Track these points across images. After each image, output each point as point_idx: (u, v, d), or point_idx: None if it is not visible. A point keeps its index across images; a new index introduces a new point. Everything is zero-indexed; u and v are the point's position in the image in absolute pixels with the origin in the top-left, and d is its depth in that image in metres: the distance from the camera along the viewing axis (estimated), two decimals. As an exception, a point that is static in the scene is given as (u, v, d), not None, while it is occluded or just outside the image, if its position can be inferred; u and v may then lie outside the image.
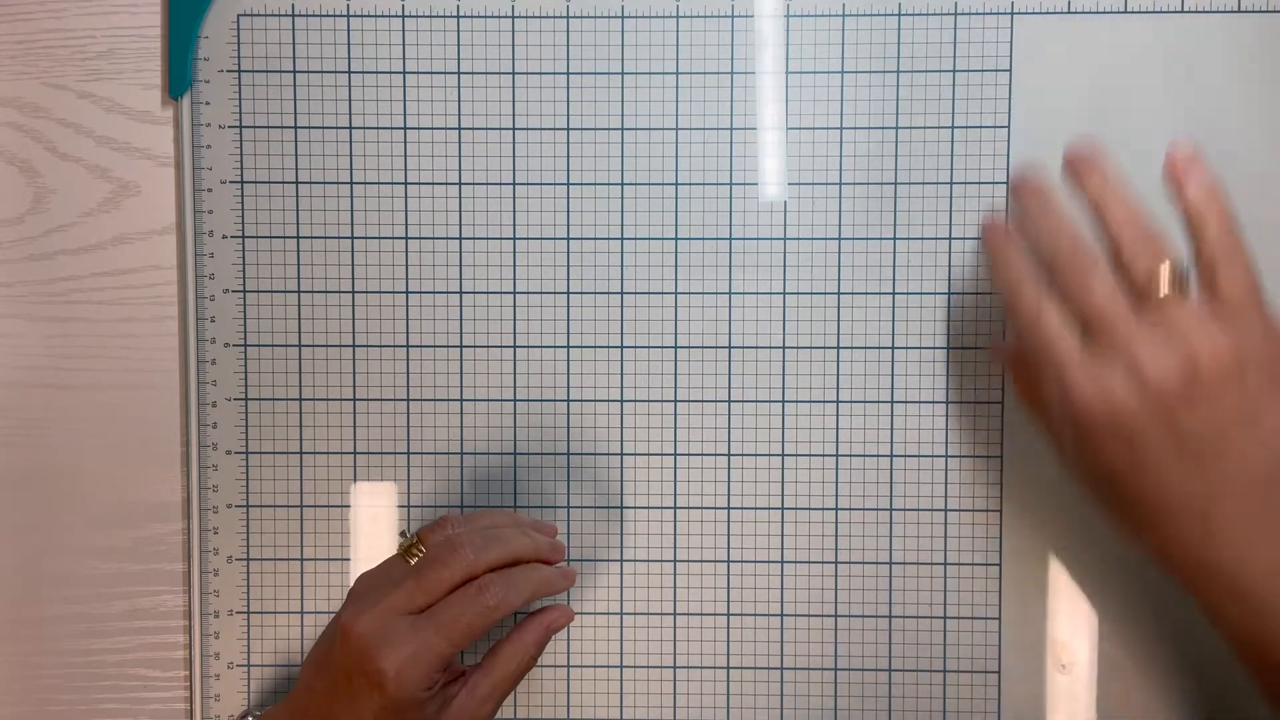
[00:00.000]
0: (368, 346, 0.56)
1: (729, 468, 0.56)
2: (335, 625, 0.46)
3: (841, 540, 0.55)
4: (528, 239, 0.55)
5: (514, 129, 0.55)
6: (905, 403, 0.55)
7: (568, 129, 0.55)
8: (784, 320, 0.55)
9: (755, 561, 0.56)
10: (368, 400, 0.56)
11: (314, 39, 0.55)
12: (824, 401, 0.55)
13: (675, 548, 0.56)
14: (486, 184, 0.55)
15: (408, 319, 0.56)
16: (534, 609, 0.50)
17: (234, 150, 0.55)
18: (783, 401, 0.55)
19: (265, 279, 0.56)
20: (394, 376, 0.56)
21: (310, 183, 0.55)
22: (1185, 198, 0.44)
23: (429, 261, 0.55)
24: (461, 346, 0.56)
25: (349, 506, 0.56)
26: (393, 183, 0.55)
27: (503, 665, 0.48)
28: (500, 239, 0.55)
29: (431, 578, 0.46)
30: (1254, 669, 0.45)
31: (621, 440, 0.56)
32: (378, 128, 0.55)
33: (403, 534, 0.48)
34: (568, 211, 0.55)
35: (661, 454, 0.56)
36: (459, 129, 0.55)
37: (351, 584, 0.48)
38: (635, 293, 0.55)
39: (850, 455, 0.55)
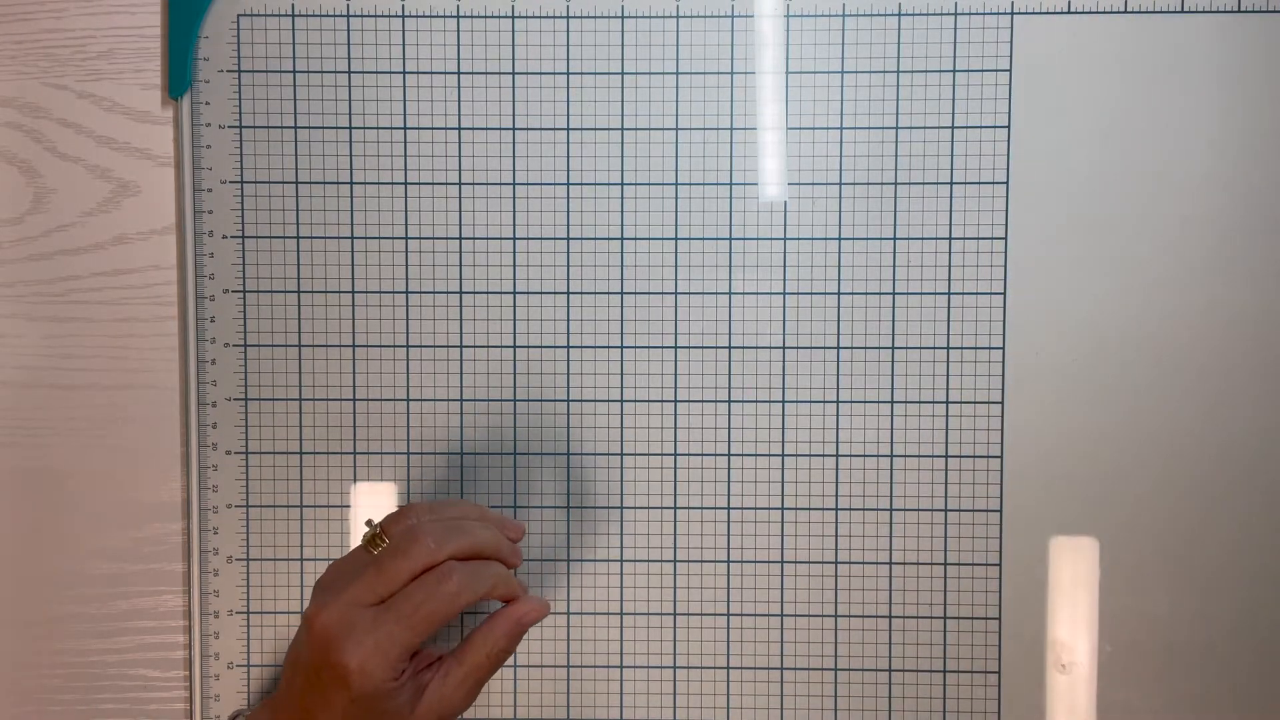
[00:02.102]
0: (368, 346, 0.56)
1: (729, 468, 0.56)
2: (303, 620, 0.47)
3: (841, 540, 0.55)
4: (528, 239, 0.55)
5: (514, 129, 0.55)
6: (905, 403, 0.55)
7: (568, 129, 0.55)
8: (784, 320, 0.55)
9: (755, 561, 0.56)
10: (368, 400, 0.56)
11: (314, 39, 0.55)
12: (824, 401, 0.55)
13: (675, 548, 0.56)
14: (486, 184, 0.55)
15: (408, 319, 0.56)
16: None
17: (234, 150, 0.55)
18: (783, 401, 0.55)
19: (265, 279, 0.56)
20: (394, 376, 0.56)
21: (310, 183, 0.55)
22: None
23: (429, 261, 0.55)
24: (461, 346, 0.56)
25: (349, 506, 0.56)
26: (393, 183, 0.55)
27: (473, 654, 0.48)
28: (500, 239, 0.55)
29: (391, 568, 0.45)
30: None
31: (621, 440, 0.56)
32: (378, 128, 0.55)
33: (368, 523, 0.48)
34: (568, 211, 0.55)
35: (661, 454, 0.56)
36: (459, 129, 0.55)
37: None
38: (635, 293, 0.55)
39: (850, 455, 0.55)
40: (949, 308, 0.55)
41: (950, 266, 0.55)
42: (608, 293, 0.55)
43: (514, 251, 0.55)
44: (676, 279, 0.55)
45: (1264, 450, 0.54)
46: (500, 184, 0.55)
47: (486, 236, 0.55)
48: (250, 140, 0.55)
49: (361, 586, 0.45)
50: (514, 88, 0.55)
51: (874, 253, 0.55)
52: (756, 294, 0.55)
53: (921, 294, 0.55)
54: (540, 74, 0.55)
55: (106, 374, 0.56)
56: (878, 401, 0.55)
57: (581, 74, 0.55)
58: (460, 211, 0.55)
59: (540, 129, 0.55)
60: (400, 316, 0.56)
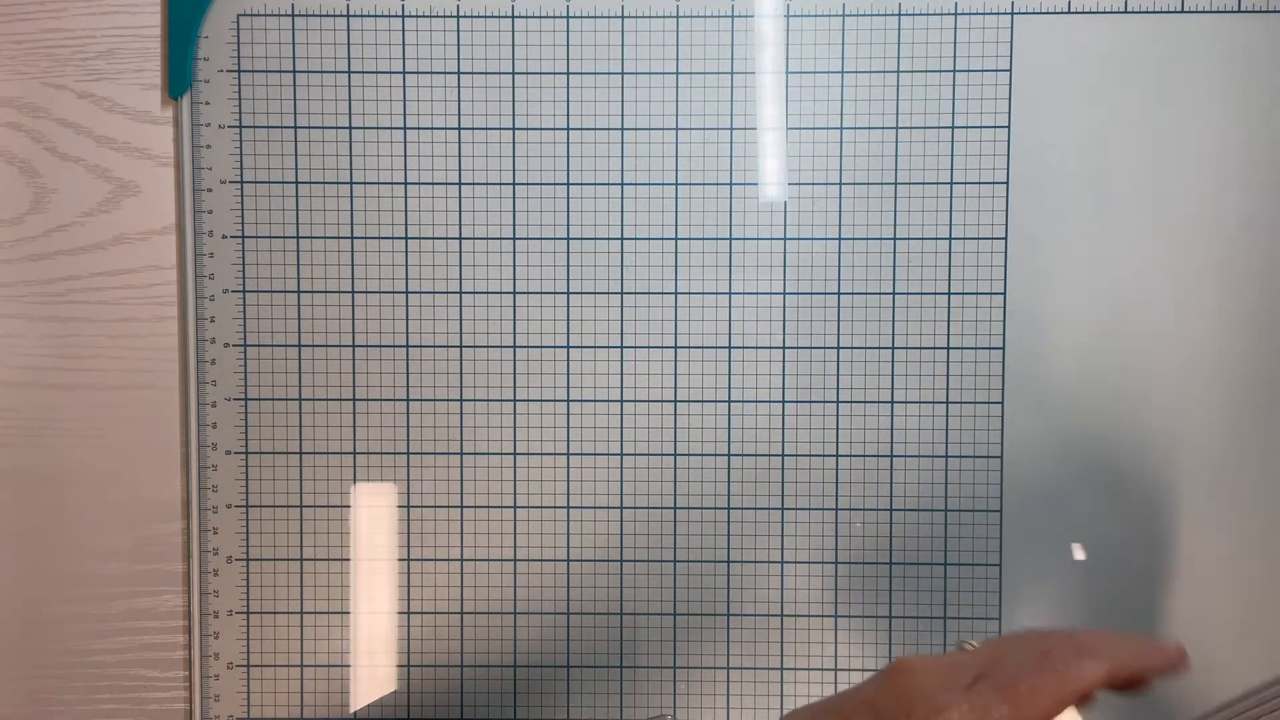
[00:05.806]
0: (368, 346, 0.56)
1: (729, 468, 0.56)
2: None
3: (841, 540, 0.55)
4: (528, 239, 0.55)
5: (514, 129, 0.55)
6: (905, 403, 0.55)
7: (568, 129, 0.55)
8: (784, 320, 0.55)
9: (755, 561, 0.56)
10: (368, 400, 0.56)
11: (314, 39, 0.55)
12: (824, 401, 0.55)
13: (675, 547, 0.56)
14: (486, 184, 0.55)
15: (408, 319, 0.56)
16: None
17: (234, 150, 0.55)
18: (783, 401, 0.55)
19: (265, 279, 0.56)
20: (394, 376, 0.56)
21: (310, 183, 0.55)
22: None
23: (429, 261, 0.55)
24: (461, 346, 0.56)
25: (349, 506, 0.56)
26: (393, 183, 0.55)
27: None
28: (500, 239, 0.55)
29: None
30: None
31: (621, 440, 0.56)
32: (378, 128, 0.55)
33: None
34: (568, 211, 0.55)
35: (661, 454, 0.56)
36: (459, 129, 0.55)
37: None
38: (635, 293, 0.55)
39: (850, 455, 0.55)
40: (949, 308, 0.55)
41: (950, 266, 0.55)
42: (608, 293, 0.55)
43: (514, 251, 0.55)
44: (676, 279, 0.55)
45: (1264, 450, 0.54)
46: (500, 184, 0.55)
47: (486, 236, 0.55)
48: (250, 140, 0.55)
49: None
50: (514, 88, 0.55)
51: (874, 253, 0.55)
52: (756, 294, 0.55)
53: (921, 294, 0.55)
54: (540, 74, 0.55)
55: (106, 374, 0.56)
56: (878, 401, 0.55)
57: (581, 74, 0.55)
58: (460, 211, 0.55)
59: (540, 129, 0.55)
60: (400, 316, 0.56)
